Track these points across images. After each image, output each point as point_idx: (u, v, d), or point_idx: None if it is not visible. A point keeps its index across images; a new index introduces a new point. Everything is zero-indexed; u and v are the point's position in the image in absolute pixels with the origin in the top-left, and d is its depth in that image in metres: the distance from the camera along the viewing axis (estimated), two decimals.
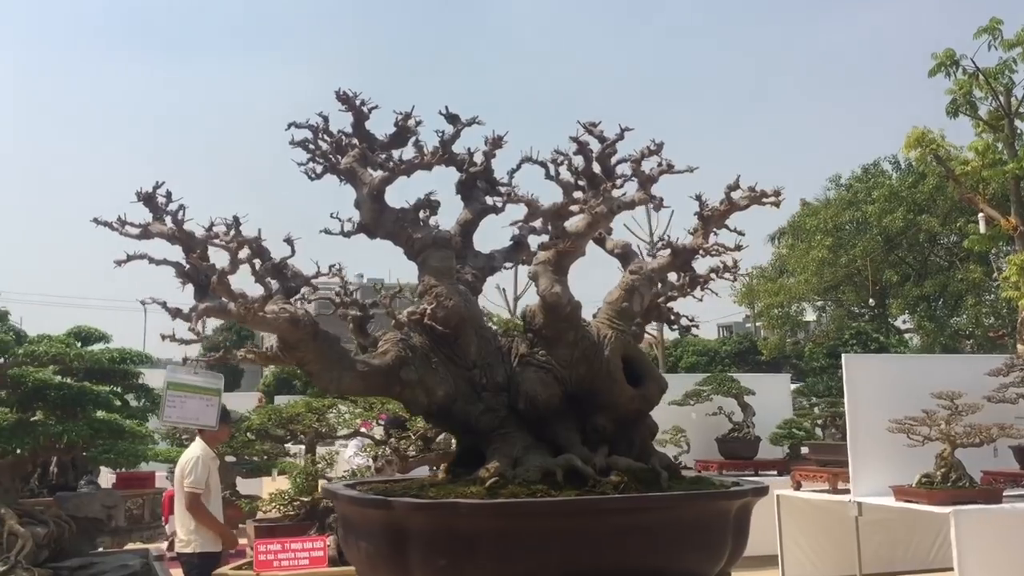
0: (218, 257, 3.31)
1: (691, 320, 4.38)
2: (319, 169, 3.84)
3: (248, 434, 12.69)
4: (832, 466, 10.98)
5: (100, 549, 10.62)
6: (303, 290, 3.86)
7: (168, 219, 3.44)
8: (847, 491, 10.23)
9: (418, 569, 3.15)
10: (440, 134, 3.90)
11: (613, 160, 3.93)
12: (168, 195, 3.44)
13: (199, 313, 3.12)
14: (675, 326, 4.40)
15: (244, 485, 13.12)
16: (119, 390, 12.99)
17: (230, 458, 12.66)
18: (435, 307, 3.60)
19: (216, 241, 3.23)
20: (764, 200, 3.82)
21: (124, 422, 8.36)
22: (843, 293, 43.76)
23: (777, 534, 11.43)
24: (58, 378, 8.22)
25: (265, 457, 13.14)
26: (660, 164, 3.70)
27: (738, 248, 4.03)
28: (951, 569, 9.02)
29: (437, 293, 3.64)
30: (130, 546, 11.00)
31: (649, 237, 33.42)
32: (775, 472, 12.96)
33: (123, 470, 10.12)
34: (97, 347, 9.27)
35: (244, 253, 3.34)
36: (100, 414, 9.07)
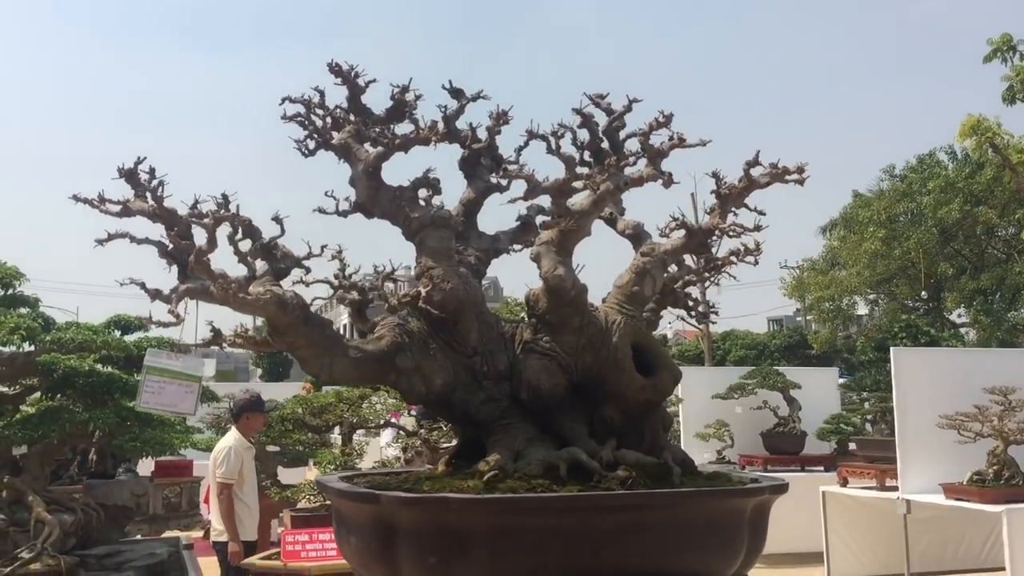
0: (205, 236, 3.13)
1: (711, 306, 4.14)
2: (312, 145, 3.66)
3: (286, 424, 12.71)
4: (880, 462, 10.77)
5: (138, 537, 10.67)
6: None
7: (149, 196, 3.27)
8: (895, 488, 10.06)
9: (407, 567, 2.95)
10: (443, 109, 3.70)
11: (622, 135, 3.69)
12: (151, 171, 3.28)
13: (179, 295, 2.96)
14: (692, 313, 4.15)
15: (286, 475, 13.14)
16: None
17: (273, 447, 12.70)
18: (431, 290, 3.39)
19: (199, 220, 3.05)
20: (787, 177, 3.56)
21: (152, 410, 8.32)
22: (896, 286, 42.81)
23: (823, 531, 11.23)
24: (88, 365, 8.19)
25: (303, 447, 13.14)
26: (671, 138, 3.45)
27: (758, 228, 3.76)
28: (1002, 569, 8.77)
29: (433, 275, 3.44)
30: (167, 534, 11.05)
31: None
32: (822, 468, 12.82)
33: (149, 458, 10.06)
34: (134, 336, 9.19)
35: (227, 231, 3.17)
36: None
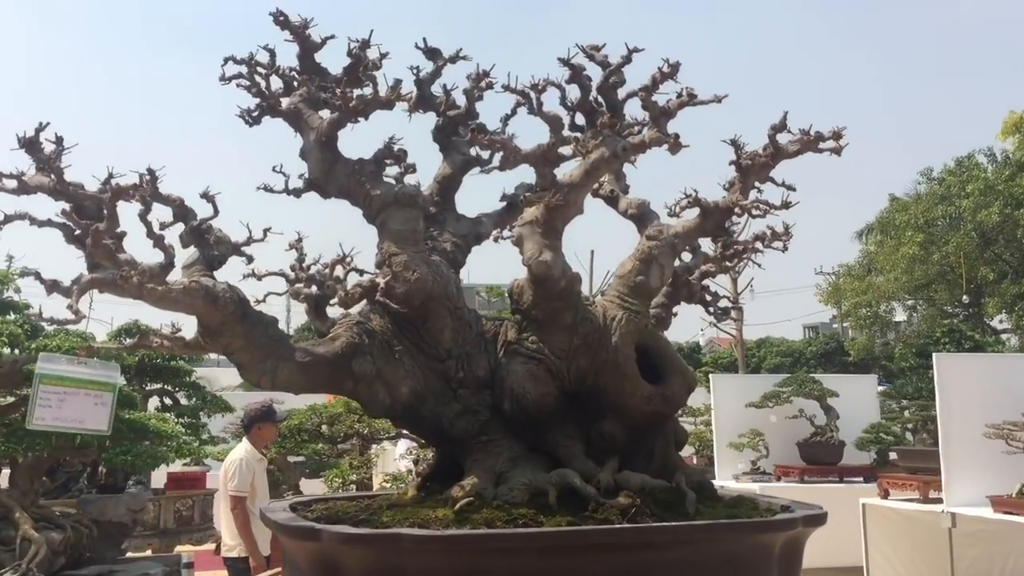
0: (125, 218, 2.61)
1: (732, 302, 3.55)
2: (257, 112, 3.11)
3: (301, 434, 12.45)
4: (923, 473, 10.32)
5: (148, 552, 10.26)
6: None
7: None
8: (939, 501, 9.61)
9: None
10: (415, 71, 3.15)
11: (620, 94, 3.09)
12: (58, 141, 2.72)
13: (81, 287, 2.42)
14: (711, 309, 3.56)
15: (307, 486, 12.81)
16: (169, 388, 12.73)
17: (298, 458, 12.40)
18: (390, 280, 2.82)
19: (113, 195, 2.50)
20: (821, 146, 2.97)
21: (148, 421, 7.89)
22: (935, 292, 41.88)
23: (863, 545, 10.71)
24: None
25: (324, 457, 12.87)
26: (680, 94, 2.83)
27: (787, 206, 3.14)
28: None
29: (395, 263, 2.86)
30: (179, 548, 10.66)
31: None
32: (861, 479, 12.42)
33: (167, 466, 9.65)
34: None
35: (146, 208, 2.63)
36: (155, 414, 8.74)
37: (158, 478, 11.83)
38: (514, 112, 3.20)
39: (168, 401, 12.48)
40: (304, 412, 11.67)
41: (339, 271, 3.11)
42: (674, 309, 3.41)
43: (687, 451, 15.14)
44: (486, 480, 2.73)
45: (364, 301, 2.96)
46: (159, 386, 12.27)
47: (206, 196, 2.87)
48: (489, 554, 2.35)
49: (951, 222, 39.95)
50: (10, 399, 8.31)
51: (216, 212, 2.88)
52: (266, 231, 3.01)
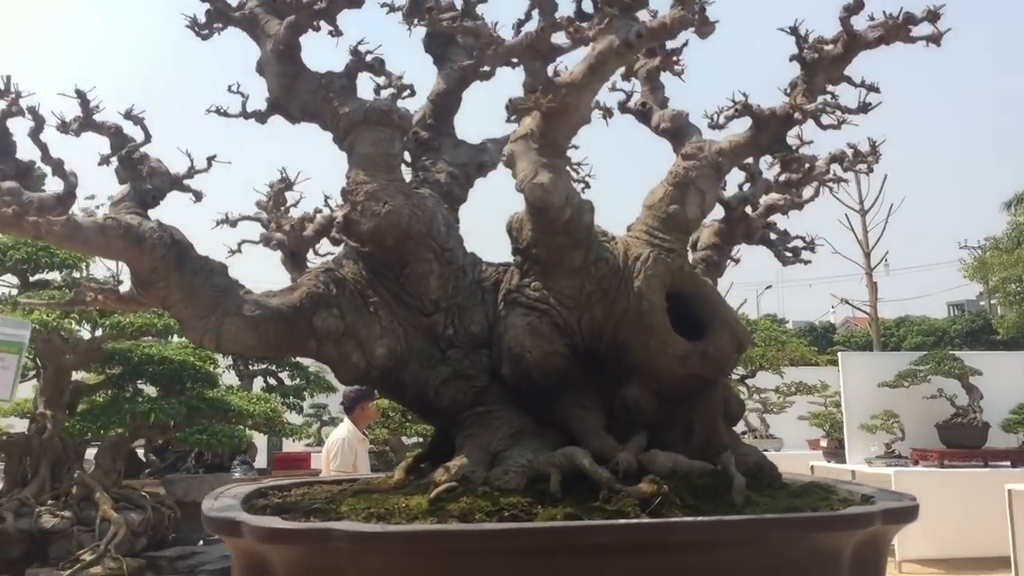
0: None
1: (807, 241, 2.85)
2: (207, 21, 2.61)
3: (407, 414, 12.26)
4: None
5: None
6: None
7: None
8: None
9: None
10: None
11: None
12: None
13: None
14: (776, 251, 2.89)
15: None
16: (273, 368, 12.66)
17: (413, 439, 12.23)
18: (351, 213, 2.28)
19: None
20: (913, 33, 2.27)
21: (230, 400, 7.68)
22: None
23: (1010, 534, 9.83)
24: (158, 352, 7.63)
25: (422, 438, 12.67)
26: None
27: (865, 109, 2.44)
28: None
29: (362, 193, 2.32)
30: None
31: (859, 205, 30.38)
32: (1008, 463, 11.56)
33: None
34: None
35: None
36: (242, 393, 8.62)
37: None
38: (528, 16, 2.62)
39: (272, 381, 12.45)
40: None
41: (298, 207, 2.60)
42: (729, 251, 2.76)
43: (815, 433, 14.31)
44: (478, 460, 2.18)
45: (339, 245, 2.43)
46: (263, 366, 12.23)
47: (130, 116, 2.38)
48: (447, 556, 1.79)
49: None
50: (100, 377, 8.28)
51: (148, 137, 2.39)
52: (210, 159, 2.51)
